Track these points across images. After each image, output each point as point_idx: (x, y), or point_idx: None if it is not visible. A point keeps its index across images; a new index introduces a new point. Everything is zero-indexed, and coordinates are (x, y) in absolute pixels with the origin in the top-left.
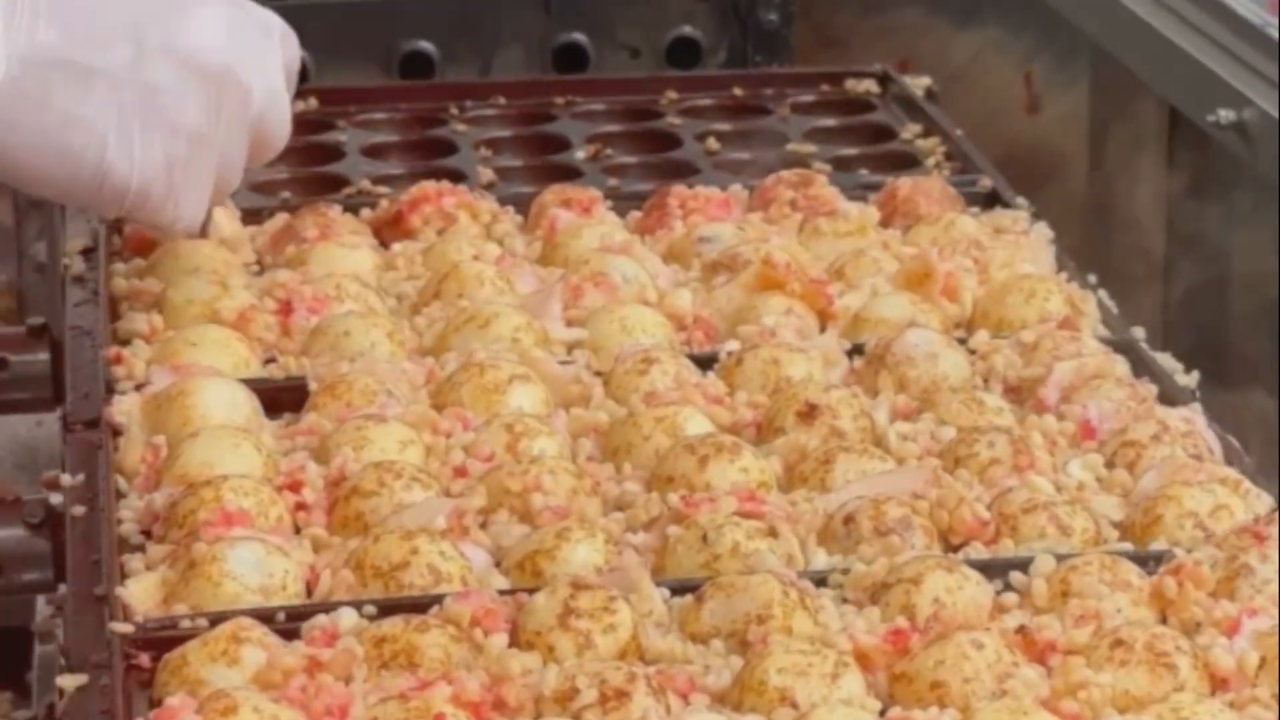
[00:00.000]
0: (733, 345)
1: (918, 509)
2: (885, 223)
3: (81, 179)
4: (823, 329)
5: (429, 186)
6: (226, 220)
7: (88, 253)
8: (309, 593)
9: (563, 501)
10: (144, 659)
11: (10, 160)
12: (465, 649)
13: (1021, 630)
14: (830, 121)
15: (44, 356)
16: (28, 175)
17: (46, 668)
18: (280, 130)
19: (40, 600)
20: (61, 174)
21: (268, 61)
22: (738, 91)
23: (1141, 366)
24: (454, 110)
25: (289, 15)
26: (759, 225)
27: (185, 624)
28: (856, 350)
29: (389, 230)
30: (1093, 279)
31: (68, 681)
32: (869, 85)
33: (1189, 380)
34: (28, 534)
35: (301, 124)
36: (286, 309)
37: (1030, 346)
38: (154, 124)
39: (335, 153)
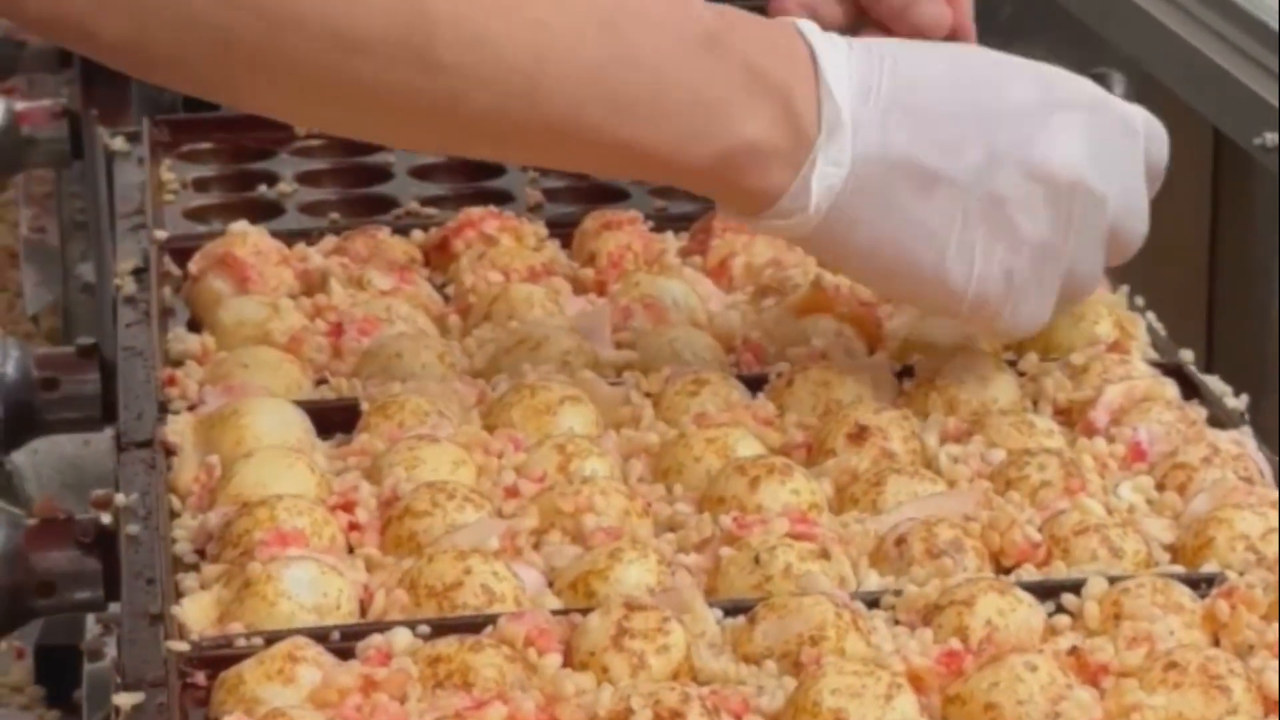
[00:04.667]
0: (782, 367)
1: (969, 531)
2: None
3: (919, 279)
4: (871, 351)
5: (473, 212)
6: None
7: (139, 273)
8: (362, 612)
9: (615, 522)
10: (200, 677)
11: (852, 251)
12: (519, 669)
13: (1074, 652)
14: None
15: (94, 377)
16: (862, 268)
17: (97, 686)
18: (1135, 235)
19: (90, 619)
20: (899, 271)
21: (1127, 166)
22: None
23: (1191, 389)
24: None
25: None
26: None
27: (241, 643)
28: (906, 372)
29: (436, 255)
30: (1140, 302)
31: (124, 700)
32: None
33: (1238, 403)
34: (79, 553)
35: (349, 145)
36: (337, 331)
37: (1080, 369)
38: (997, 234)
39: (383, 174)
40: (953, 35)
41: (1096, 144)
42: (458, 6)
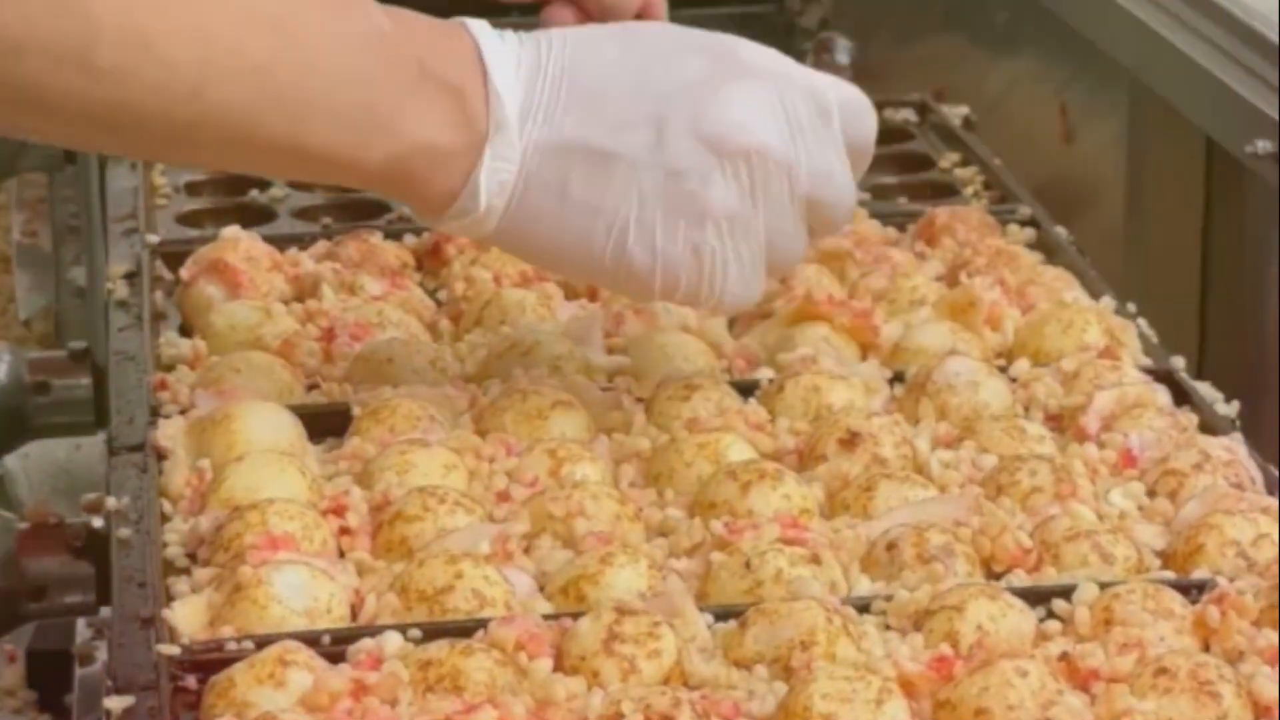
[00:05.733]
0: (768, 373)
1: (960, 536)
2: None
3: (604, 268)
4: (864, 357)
5: None
6: None
7: (131, 277)
8: (353, 616)
9: (606, 527)
10: (191, 681)
11: (535, 246)
12: (510, 673)
13: (1065, 658)
14: None
15: (86, 381)
16: (550, 261)
17: (88, 690)
18: (839, 210)
19: (80, 623)
20: (584, 262)
21: (816, 136)
22: None
23: (1182, 396)
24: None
25: None
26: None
27: (232, 646)
28: (897, 378)
29: (428, 260)
30: (1132, 308)
31: (115, 703)
32: (907, 114)
33: (1229, 410)
34: (70, 557)
35: None
36: (329, 336)
37: (1071, 375)
38: (678, 209)
39: None
40: (643, 14)
41: (778, 113)
42: (121, 9)
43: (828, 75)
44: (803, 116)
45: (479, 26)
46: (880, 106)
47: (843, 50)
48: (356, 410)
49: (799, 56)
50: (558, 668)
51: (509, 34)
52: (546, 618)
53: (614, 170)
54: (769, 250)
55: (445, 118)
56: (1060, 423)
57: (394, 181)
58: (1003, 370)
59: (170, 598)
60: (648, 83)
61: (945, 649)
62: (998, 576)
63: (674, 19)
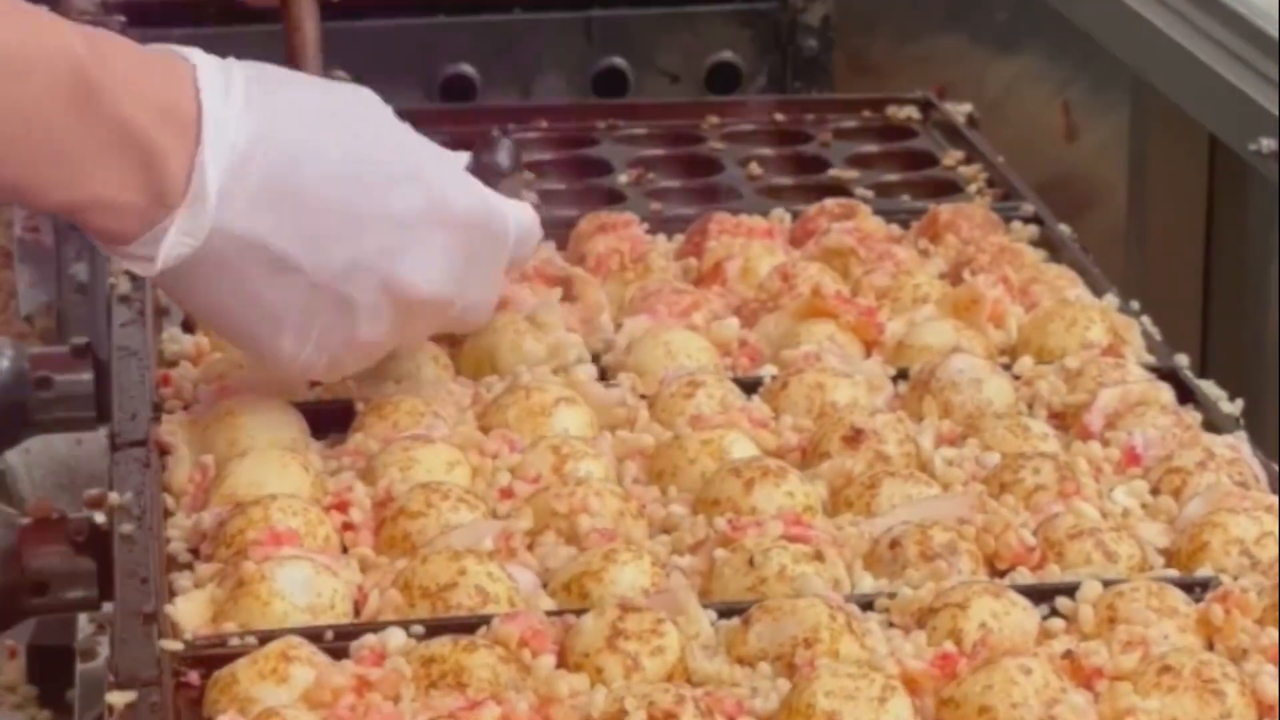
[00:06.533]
0: (771, 369)
1: (964, 534)
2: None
3: (251, 344)
4: (867, 354)
5: None
6: None
7: (132, 273)
8: (356, 612)
9: (609, 524)
10: (193, 677)
11: (194, 305)
12: (513, 670)
13: (1068, 656)
14: (872, 147)
15: (88, 376)
16: (202, 319)
17: (89, 685)
18: (474, 323)
19: (82, 619)
20: (233, 334)
21: (487, 274)
22: (779, 117)
23: (1186, 394)
24: (497, 134)
25: (328, 37)
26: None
27: (234, 642)
28: (901, 375)
29: None
30: (1135, 306)
31: (117, 698)
32: (910, 111)
33: (1233, 408)
34: (72, 552)
35: None
36: None
37: (1074, 373)
38: (336, 331)
39: None
40: None
41: (464, 261)
42: None
43: (514, 206)
44: (482, 260)
45: (207, 77)
46: (883, 103)
47: (505, 152)
48: (359, 406)
49: (797, 55)
50: (561, 664)
51: (236, 83)
52: (549, 614)
53: (293, 282)
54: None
55: (135, 181)
56: (1064, 420)
57: (74, 218)
58: (1006, 368)
59: (173, 593)
60: (356, 206)
61: (949, 647)
62: (1001, 574)
63: (678, 19)
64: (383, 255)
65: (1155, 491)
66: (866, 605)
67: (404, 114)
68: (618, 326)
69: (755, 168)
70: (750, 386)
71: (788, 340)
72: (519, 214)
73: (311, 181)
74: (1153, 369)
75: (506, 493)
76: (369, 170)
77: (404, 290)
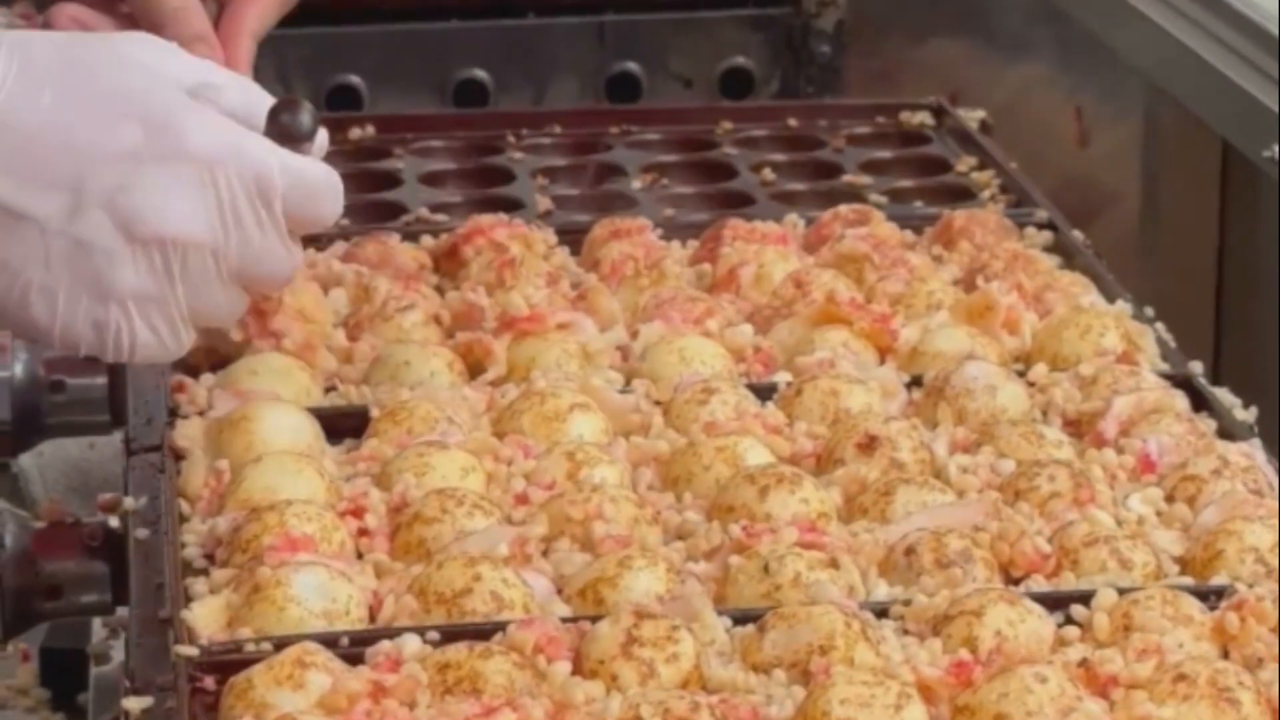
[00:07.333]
0: (785, 376)
1: (978, 541)
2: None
3: (6, 317)
4: (881, 361)
5: (483, 219)
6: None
7: None
8: (371, 618)
9: (624, 530)
10: (209, 682)
11: None
12: (528, 676)
13: (1084, 664)
14: (885, 153)
15: (101, 380)
16: None
17: (103, 689)
18: (273, 279)
19: (95, 623)
20: None
21: (251, 217)
22: (792, 122)
23: (1200, 401)
24: (510, 138)
25: (342, 42)
26: None
27: (250, 648)
28: (915, 382)
29: (446, 262)
30: (1149, 313)
31: (133, 704)
32: (923, 117)
33: (1248, 415)
34: (86, 557)
35: (359, 151)
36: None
37: (1089, 380)
38: (82, 283)
39: (393, 180)
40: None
41: (208, 199)
42: None
43: (286, 156)
44: (239, 202)
45: None
46: (896, 109)
47: (306, 113)
48: (374, 412)
49: (810, 60)
50: (576, 671)
51: None
52: (565, 620)
53: (22, 232)
54: (195, 315)
55: None
56: (1078, 428)
57: None
58: (1020, 374)
59: (188, 598)
60: (76, 145)
61: (964, 654)
62: (1016, 582)
63: (691, 24)
64: (110, 190)
65: (1170, 499)
66: (881, 612)
67: (417, 119)
68: (633, 335)
69: (768, 173)
70: (764, 393)
71: (802, 347)
72: (292, 172)
73: (29, 124)
74: (1167, 376)
75: (521, 499)
76: (87, 110)
77: (144, 229)
